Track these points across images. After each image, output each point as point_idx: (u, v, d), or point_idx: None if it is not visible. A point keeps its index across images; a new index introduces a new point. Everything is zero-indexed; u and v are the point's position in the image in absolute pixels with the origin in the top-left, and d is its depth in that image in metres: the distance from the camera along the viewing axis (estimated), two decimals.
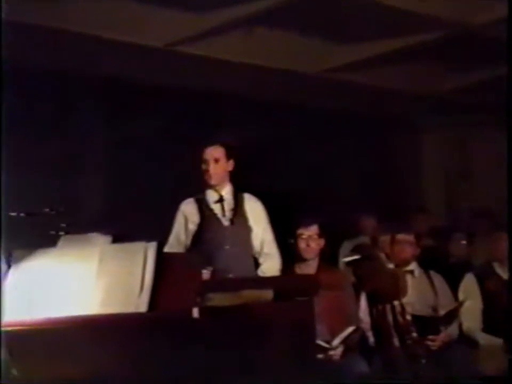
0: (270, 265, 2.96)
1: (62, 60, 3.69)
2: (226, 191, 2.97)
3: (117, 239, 1.83)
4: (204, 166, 2.95)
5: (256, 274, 2.92)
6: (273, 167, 4.63)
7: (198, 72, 4.15)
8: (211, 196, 2.97)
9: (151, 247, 1.74)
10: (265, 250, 2.99)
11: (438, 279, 3.37)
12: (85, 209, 3.91)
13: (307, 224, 3.21)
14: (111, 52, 3.81)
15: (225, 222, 2.91)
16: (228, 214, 2.91)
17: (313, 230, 3.19)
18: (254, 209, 3.00)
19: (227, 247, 2.86)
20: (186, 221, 2.91)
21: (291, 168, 4.75)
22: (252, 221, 2.97)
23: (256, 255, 2.98)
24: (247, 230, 2.96)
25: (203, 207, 2.94)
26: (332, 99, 4.80)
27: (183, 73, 4.16)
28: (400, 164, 5.85)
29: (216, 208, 2.92)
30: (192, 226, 2.90)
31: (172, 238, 2.89)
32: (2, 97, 2.30)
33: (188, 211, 2.93)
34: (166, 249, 2.58)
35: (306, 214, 3.37)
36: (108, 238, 1.82)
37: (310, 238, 3.16)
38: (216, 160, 2.94)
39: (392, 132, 5.58)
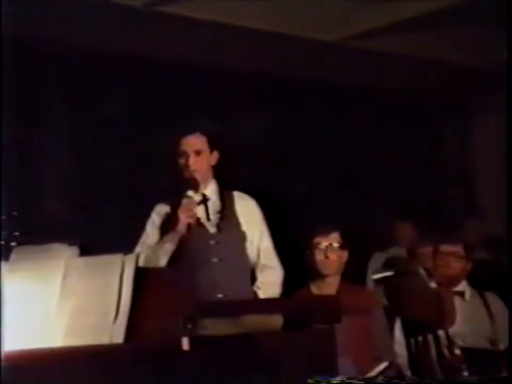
0: (268, 278, 3.01)
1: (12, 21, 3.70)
2: (211, 190, 3.00)
3: (85, 251, 1.86)
4: (181, 160, 2.98)
5: (255, 293, 2.98)
6: (280, 160, 4.63)
7: (184, 38, 4.15)
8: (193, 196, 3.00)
9: (130, 261, 1.77)
10: (262, 260, 3.03)
11: (495, 303, 3.37)
12: (44, 213, 3.94)
13: (326, 231, 3.25)
14: (73, 11, 3.83)
15: (211, 229, 2.94)
16: (214, 218, 2.94)
17: (333, 238, 3.23)
18: (247, 211, 3.03)
19: (214, 259, 2.89)
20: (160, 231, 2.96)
21: (303, 161, 4.74)
22: (245, 225, 3.00)
23: (253, 268, 3.04)
24: (240, 236, 2.99)
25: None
26: (355, 73, 4.79)
27: (164, 40, 4.15)
28: (445, 155, 5.82)
29: (199, 211, 2.95)
30: None
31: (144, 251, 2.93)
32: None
33: (164, 218, 2.98)
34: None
35: (324, 218, 3.40)
36: (74, 250, 1.85)
37: (329, 249, 3.20)
38: (198, 152, 2.97)
39: (433, 113, 5.54)
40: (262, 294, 2.96)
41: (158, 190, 3.50)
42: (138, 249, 2.88)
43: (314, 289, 3.23)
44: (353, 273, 3.37)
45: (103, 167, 4.07)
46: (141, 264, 2.73)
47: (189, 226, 2.85)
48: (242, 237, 3.00)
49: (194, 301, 1.77)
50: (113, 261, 1.79)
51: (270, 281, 3.01)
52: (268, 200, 3.33)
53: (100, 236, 3.56)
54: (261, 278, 3.01)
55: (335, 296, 3.01)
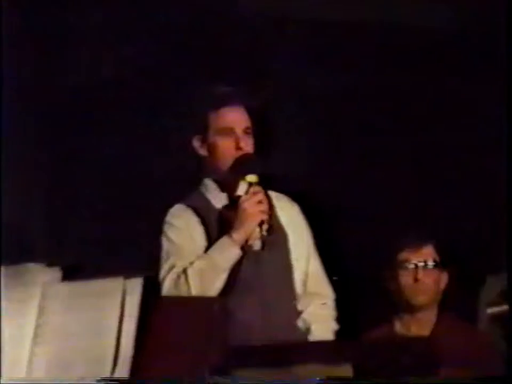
0: (319, 311, 3.07)
1: None
2: (242, 189, 3.05)
3: (70, 274, 1.89)
4: (224, 141, 3.04)
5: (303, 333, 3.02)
6: (334, 140, 4.59)
7: None
8: (220, 196, 3.07)
9: (134, 287, 1.80)
10: (311, 287, 3.09)
11: None
12: (13, 222, 4.00)
13: (415, 244, 3.26)
14: None
15: (257, 245, 3.00)
16: (259, 230, 2.99)
17: (426, 253, 3.25)
18: (292, 219, 3.12)
19: (258, 287, 2.97)
20: (193, 242, 3.01)
21: (373, 145, 4.70)
22: (292, 240, 3.07)
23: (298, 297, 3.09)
24: (288, 256, 3.07)
25: (208, 219, 3.04)
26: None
27: None
28: None
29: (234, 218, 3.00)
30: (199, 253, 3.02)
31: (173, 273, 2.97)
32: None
33: (191, 225, 3.03)
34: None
35: (412, 225, 3.39)
36: (56, 272, 1.88)
37: (421, 268, 3.21)
38: (247, 131, 3.05)
39: None
40: (314, 331, 3.03)
41: (168, 188, 3.53)
42: (178, 262, 2.91)
43: (399, 327, 3.25)
44: (456, 304, 3.36)
45: (94, 155, 4.11)
46: (193, 280, 2.85)
47: (261, 224, 2.92)
48: (289, 256, 3.07)
49: (225, 344, 1.79)
50: (110, 288, 1.82)
51: (322, 315, 3.07)
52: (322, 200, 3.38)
53: (90, 252, 3.61)
54: (309, 309, 3.07)
55: (430, 337, 3.02)
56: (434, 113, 4.42)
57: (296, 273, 3.06)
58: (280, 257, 3.04)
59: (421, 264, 3.23)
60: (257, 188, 2.94)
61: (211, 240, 2.99)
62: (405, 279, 3.22)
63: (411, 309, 3.23)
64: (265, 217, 2.92)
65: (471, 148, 4.99)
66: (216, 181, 3.07)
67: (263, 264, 2.99)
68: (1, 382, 1.75)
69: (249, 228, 2.92)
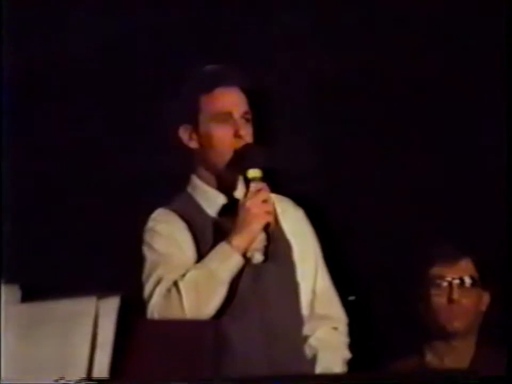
0: (329, 335, 3.10)
1: None
2: (240, 190, 3.07)
3: (32, 294, 1.89)
4: (221, 130, 3.03)
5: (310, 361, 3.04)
6: (352, 138, 4.62)
7: None
8: (213, 198, 3.09)
9: (109, 308, 1.80)
10: (319, 309, 3.11)
11: None
12: None
13: (449, 258, 3.26)
14: None
15: (256, 255, 3.02)
16: (258, 239, 3.01)
17: (463, 269, 3.25)
18: (297, 227, 3.14)
19: (258, 307, 2.99)
20: (181, 251, 3.02)
21: (391, 140, 4.73)
22: (297, 252, 3.09)
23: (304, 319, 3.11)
24: (292, 270, 3.08)
25: (198, 225, 3.06)
26: None
27: None
28: None
29: (230, 226, 3.01)
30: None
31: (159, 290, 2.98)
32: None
33: (178, 232, 3.04)
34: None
35: (446, 234, 3.39)
36: (15, 291, 1.88)
37: (456, 287, 3.22)
38: (247, 117, 3.05)
39: None
40: (321, 360, 3.04)
41: (151, 190, 3.54)
42: (167, 274, 2.90)
43: (431, 357, 3.27)
44: (499, 331, 3.36)
45: (60, 153, 4.13)
46: (186, 295, 2.86)
47: (267, 227, 2.93)
48: (294, 270, 3.08)
49: (219, 376, 1.80)
50: (80, 310, 1.83)
51: (332, 341, 3.09)
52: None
53: (57, 268, 3.61)
54: (317, 334, 3.09)
55: (469, 370, 3.01)
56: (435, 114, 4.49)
57: (302, 291, 3.08)
58: (283, 271, 3.05)
59: (457, 281, 3.24)
60: (260, 185, 2.95)
61: (201, 250, 2.99)
62: (437, 299, 3.22)
63: (445, 335, 3.24)
64: (271, 219, 2.93)
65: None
66: (209, 179, 3.07)
67: (264, 279, 3.00)
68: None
69: (253, 232, 2.92)
